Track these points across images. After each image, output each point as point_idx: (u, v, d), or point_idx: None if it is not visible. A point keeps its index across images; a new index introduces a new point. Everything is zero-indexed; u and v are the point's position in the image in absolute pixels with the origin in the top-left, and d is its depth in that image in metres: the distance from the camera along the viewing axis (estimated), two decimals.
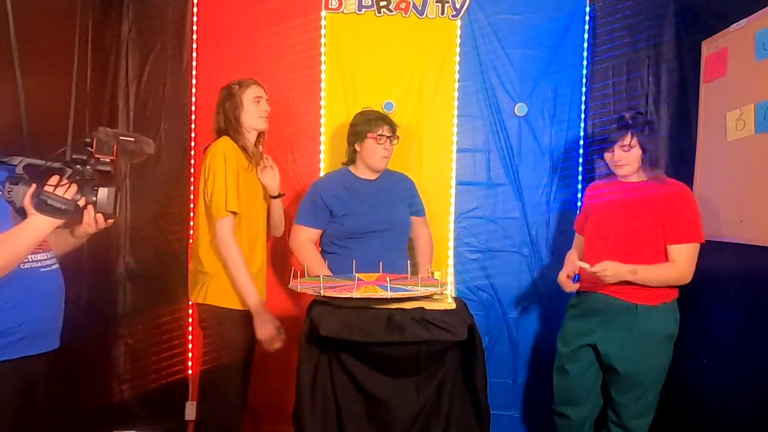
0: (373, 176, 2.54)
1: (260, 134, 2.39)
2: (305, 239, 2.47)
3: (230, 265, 2.17)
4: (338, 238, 2.49)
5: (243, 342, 2.25)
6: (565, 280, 2.36)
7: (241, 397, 2.30)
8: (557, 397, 2.43)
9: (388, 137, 2.46)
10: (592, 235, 2.39)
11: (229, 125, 2.28)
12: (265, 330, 2.20)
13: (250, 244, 2.29)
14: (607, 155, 2.31)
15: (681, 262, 2.17)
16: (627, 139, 2.22)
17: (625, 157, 2.24)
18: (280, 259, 2.83)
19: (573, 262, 2.32)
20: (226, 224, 2.17)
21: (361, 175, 2.54)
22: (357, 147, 2.50)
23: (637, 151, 2.24)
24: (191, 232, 2.85)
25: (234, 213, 2.18)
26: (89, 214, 1.61)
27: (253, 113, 2.31)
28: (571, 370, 2.36)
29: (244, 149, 2.28)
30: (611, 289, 2.23)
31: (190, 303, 2.82)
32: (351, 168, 2.57)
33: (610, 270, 2.12)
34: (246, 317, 2.22)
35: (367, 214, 2.46)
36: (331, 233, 2.50)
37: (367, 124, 2.46)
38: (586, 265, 2.15)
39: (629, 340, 2.20)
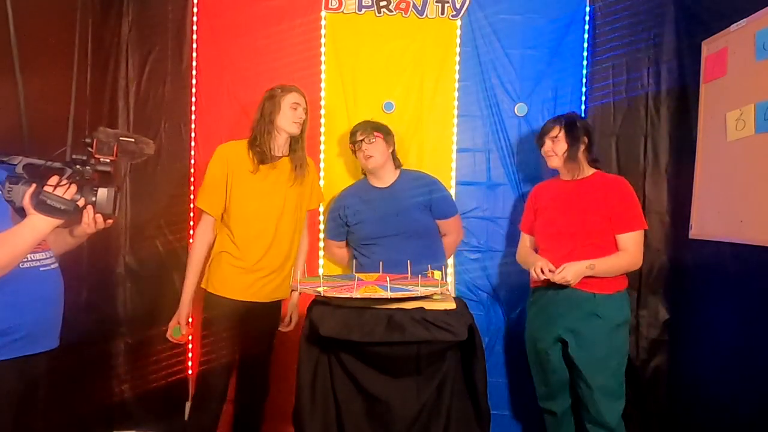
0: (384, 183, 2.63)
1: (298, 139, 2.45)
2: (335, 251, 2.77)
3: (189, 254, 2.44)
4: (355, 244, 2.64)
5: (227, 331, 2.32)
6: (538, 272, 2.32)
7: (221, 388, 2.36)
8: (538, 394, 2.49)
9: (360, 141, 2.56)
10: (544, 234, 2.46)
11: (262, 124, 2.38)
12: (172, 319, 2.42)
13: (247, 243, 2.34)
14: (542, 149, 2.47)
15: (631, 250, 2.29)
16: (555, 131, 2.42)
17: (553, 148, 2.41)
18: None
19: (541, 261, 2.34)
20: (202, 218, 2.40)
21: (374, 184, 2.64)
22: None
23: (563, 145, 2.39)
24: (192, 232, 2.86)
25: (204, 211, 2.38)
26: (88, 214, 1.61)
27: (288, 117, 2.38)
28: (545, 367, 2.41)
29: (263, 149, 2.36)
30: None
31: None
32: (368, 176, 2.68)
33: (569, 273, 2.23)
34: (236, 306, 2.33)
35: (375, 223, 2.56)
36: (350, 239, 2.69)
37: (349, 140, 2.63)
38: (550, 276, 2.27)
39: (589, 328, 2.27)
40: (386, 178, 2.62)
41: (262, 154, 2.35)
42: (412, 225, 2.55)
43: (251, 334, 2.38)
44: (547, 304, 2.38)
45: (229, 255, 2.34)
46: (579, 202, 2.36)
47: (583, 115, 2.90)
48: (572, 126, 2.40)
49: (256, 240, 2.34)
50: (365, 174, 2.70)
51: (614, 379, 2.28)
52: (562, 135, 2.39)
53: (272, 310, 2.46)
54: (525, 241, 2.62)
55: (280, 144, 2.42)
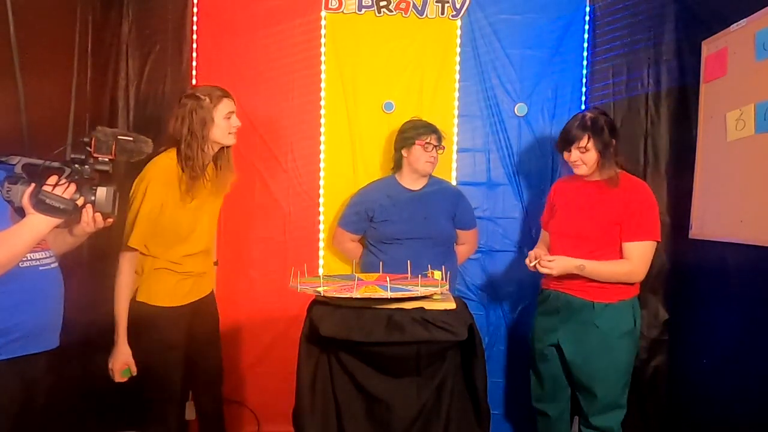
0: (416, 186, 2.65)
1: (225, 147, 2.27)
2: (349, 245, 2.74)
3: (117, 294, 2.18)
4: (375, 241, 2.64)
5: (176, 337, 2.24)
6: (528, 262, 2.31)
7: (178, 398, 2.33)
8: (533, 394, 2.47)
9: (435, 146, 2.58)
10: (555, 233, 2.42)
11: (192, 138, 2.12)
12: (115, 362, 2.21)
13: (185, 258, 2.22)
14: (565, 154, 2.29)
15: (633, 259, 2.18)
16: (584, 141, 2.21)
17: (582, 158, 2.24)
18: (280, 258, 2.83)
19: (537, 249, 2.35)
20: (125, 258, 2.14)
21: (405, 184, 2.65)
22: (404, 153, 2.62)
23: (593, 154, 2.22)
24: None
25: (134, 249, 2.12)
26: (88, 213, 1.61)
27: (224, 129, 2.18)
28: (541, 369, 2.39)
29: (194, 166, 2.13)
30: (570, 288, 2.27)
31: None
32: (396, 176, 2.69)
33: (557, 265, 2.18)
34: (184, 312, 2.24)
35: (403, 223, 2.58)
36: (370, 236, 2.67)
37: (415, 132, 2.59)
38: (537, 265, 2.22)
39: (586, 337, 2.22)
40: (420, 181, 2.66)
41: (193, 173, 2.13)
42: (437, 230, 2.60)
43: (202, 329, 2.34)
44: (550, 308, 2.35)
45: (168, 270, 2.20)
46: (591, 206, 2.26)
47: None
48: (599, 132, 2.20)
49: (194, 252, 2.25)
50: (393, 171, 2.71)
51: (613, 390, 2.22)
52: (591, 145, 2.20)
53: (211, 300, 2.42)
54: (543, 237, 2.55)
55: (210, 156, 2.20)
